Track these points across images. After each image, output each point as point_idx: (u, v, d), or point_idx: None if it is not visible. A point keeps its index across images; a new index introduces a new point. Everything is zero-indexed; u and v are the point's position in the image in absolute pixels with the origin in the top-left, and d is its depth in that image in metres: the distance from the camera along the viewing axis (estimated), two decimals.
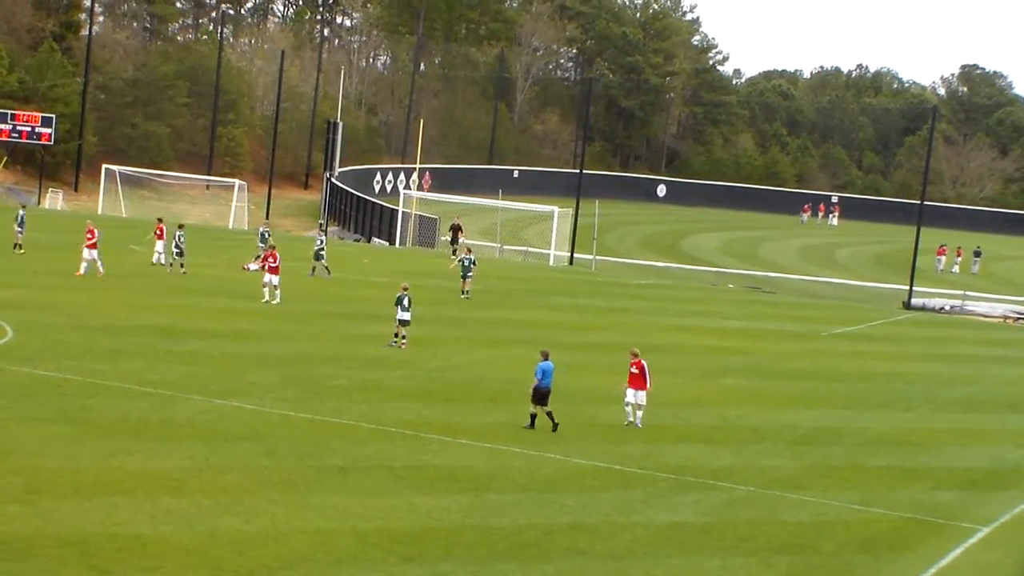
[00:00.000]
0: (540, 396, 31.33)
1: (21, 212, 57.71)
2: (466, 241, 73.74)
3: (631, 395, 32.58)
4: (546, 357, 31.59)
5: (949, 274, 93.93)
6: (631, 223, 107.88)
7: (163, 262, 54.31)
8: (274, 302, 47.24)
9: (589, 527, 24.32)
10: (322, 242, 58.70)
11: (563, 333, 47.55)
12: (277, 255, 47.84)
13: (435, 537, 22.84)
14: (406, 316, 40.64)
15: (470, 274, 54.04)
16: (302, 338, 41.39)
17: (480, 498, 25.45)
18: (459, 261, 54.25)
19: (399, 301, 40.66)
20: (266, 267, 48.32)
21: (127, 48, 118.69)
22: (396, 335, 40.90)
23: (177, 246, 53.62)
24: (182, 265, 53.36)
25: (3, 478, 23.73)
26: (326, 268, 57.24)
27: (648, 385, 32.53)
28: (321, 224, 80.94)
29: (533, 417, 31.56)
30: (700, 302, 62.54)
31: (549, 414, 31.47)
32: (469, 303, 53.87)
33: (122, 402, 30.47)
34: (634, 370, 32.38)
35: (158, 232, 54.68)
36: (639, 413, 32.54)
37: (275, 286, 47.55)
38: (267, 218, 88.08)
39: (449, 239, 74.65)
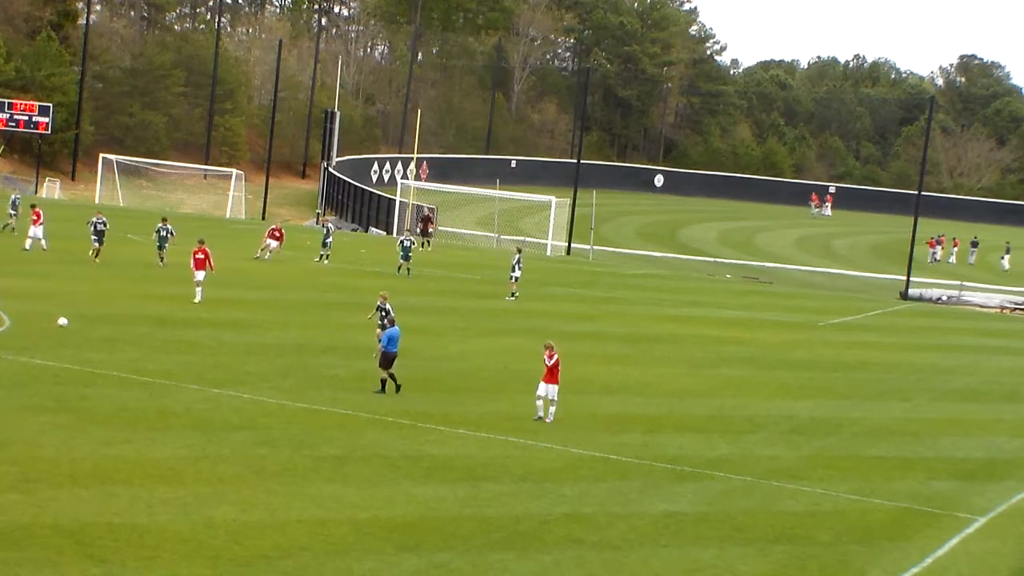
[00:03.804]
0: (387, 361, 32.37)
1: (15, 196, 58.07)
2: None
3: (542, 389, 31.23)
4: (392, 324, 32.96)
5: (946, 264, 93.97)
6: (628, 213, 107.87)
7: (44, 247, 53.18)
8: (195, 300, 43.69)
9: (586, 517, 24.34)
10: (411, 243, 57.66)
11: (560, 323, 47.57)
12: (208, 251, 44.41)
13: (432, 527, 22.85)
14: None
15: (515, 274, 52.31)
16: (299, 327, 41.39)
17: (477, 488, 25.46)
18: (513, 265, 52.36)
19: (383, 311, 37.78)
20: (193, 264, 44.44)
21: (124, 37, 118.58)
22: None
23: (159, 237, 51.93)
24: (163, 259, 51.77)
25: (0, 467, 23.73)
26: (408, 269, 56.26)
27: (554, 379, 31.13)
28: (319, 213, 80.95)
29: (383, 382, 32.50)
30: (697, 292, 62.60)
31: (391, 376, 32.49)
32: (465, 293, 53.91)
33: (119, 391, 30.47)
34: (548, 362, 31.06)
35: (35, 217, 53.92)
36: (551, 408, 31.29)
37: (199, 282, 43.96)
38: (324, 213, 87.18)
39: (419, 231, 72.19)
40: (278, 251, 58.21)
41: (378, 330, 36.80)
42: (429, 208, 79.58)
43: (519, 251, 54.35)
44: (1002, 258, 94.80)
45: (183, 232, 54.55)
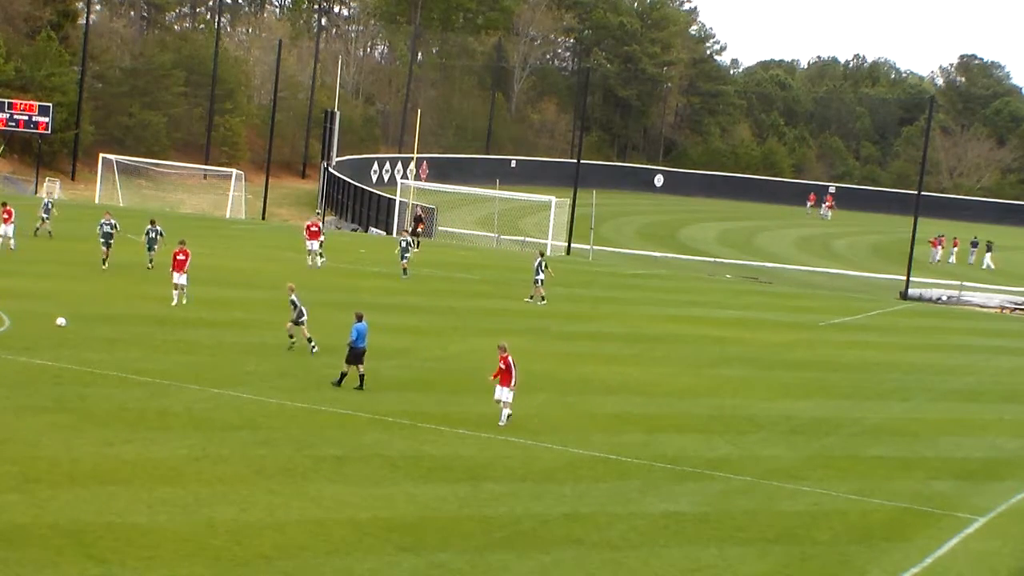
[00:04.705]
0: (355, 356, 32.66)
1: (46, 200, 59.44)
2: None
3: (499, 392, 30.60)
4: (360, 319, 32.95)
5: (946, 264, 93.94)
6: (628, 213, 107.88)
7: (12, 247, 52.79)
8: (183, 302, 42.89)
9: (586, 517, 24.34)
10: (407, 244, 57.06)
11: (560, 322, 47.57)
12: (188, 252, 43.28)
13: (432, 527, 22.86)
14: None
15: (540, 277, 51.59)
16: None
17: (477, 488, 25.46)
18: (536, 268, 51.89)
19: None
20: (173, 265, 43.46)
21: (124, 37, 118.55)
22: (291, 336, 37.39)
23: (149, 239, 50.90)
24: (151, 260, 50.65)
25: (0, 467, 23.74)
26: (404, 269, 55.94)
27: (513, 382, 30.49)
28: (318, 213, 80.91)
29: (342, 376, 32.82)
30: (697, 292, 62.58)
31: (361, 376, 32.74)
32: (465, 293, 53.91)
33: (119, 391, 30.47)
34: (502, 365, 30.49)
35: (6, 216, 53.41)
36: (505, 412, 30.59)
37: (183, 285, 43.03)
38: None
39: (410, 230, 70.31)
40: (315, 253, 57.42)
41: (289, 323, 37.24)
42: (422, 208, 79.48)
43: (541, 254, 54.10)
44: (983, 257, 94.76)
45: (182, 233, 54.40)
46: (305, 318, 37.11)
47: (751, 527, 24.77)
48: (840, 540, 24.57)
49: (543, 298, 51.75)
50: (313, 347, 37.07)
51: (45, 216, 58.49)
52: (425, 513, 23.63)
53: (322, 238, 57.99)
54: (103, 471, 24.13)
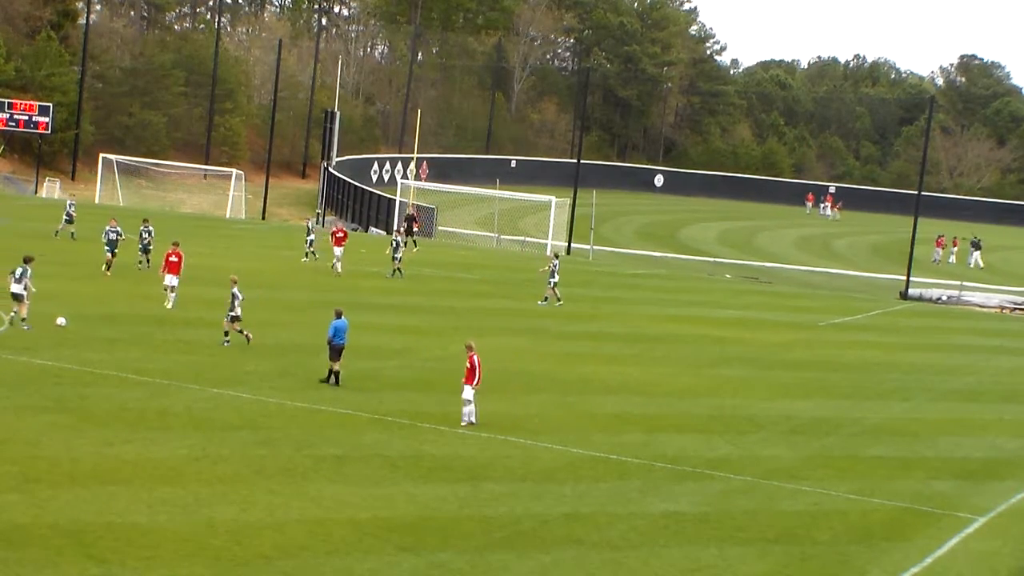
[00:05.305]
0: (335, 352, 32.84)
1: (70, 201, 59.72)
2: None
3: (467, 392, 30.20)
4: (339, 316, 33.21)
5: (947, 264, 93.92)
6: (628, 213, 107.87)
7: None
8: (167, 305, 42.18)
9: (586, 517, 24.34)
10: (398, 244, 56.65)
11: (560, 322, 47.57)
12: (181, 254, 42.72)
13: (432, 527, 22.85)
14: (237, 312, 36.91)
15: (553, 279, 51.22)
16: (299, 327, 41.34)
17: (477, 488, 25.46)
18: (552, 271, 51.50)
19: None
20: (165, 266, 42.90)
21: (124, 37, 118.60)
22: (227, 333, 37.12)
23: (142, 239, 50.59)
24: (148, 261, 50.35)
25: (0, 467, 23.73)
26: (399, 270, 55.76)
27: (476, 381, 30.09)
28: (319, 213, 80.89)
29: (333, 374, 33.01)
30: (697, 292, 62.59)
31: (331, 373, 32.96)
32: (465, 293, 53.91)
33: (119, 391, 30.46)
34: (468, 365, 30.18)
35: None
36: (468, 409, 30.24)
37: (173, 287, 42.42)
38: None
39: (404, 230, 69.18)
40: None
41: (226, 320, 37.03)
42: (416, 207, 79.43)
43: (556, 256, 54.01)
44: (971, 255, 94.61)
45: (181, 233, 54.44)
46: (236, 312, 36.73)
47: (751, 527, 24.76)
48: (840, 540, 24.57)
49: (545, 299, 51.73)
50: (226, 342, 36.85)
51: (67, 219, 58.48)
52: (425, 513, 23.63)
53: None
54: (103, 471, 24.12)
